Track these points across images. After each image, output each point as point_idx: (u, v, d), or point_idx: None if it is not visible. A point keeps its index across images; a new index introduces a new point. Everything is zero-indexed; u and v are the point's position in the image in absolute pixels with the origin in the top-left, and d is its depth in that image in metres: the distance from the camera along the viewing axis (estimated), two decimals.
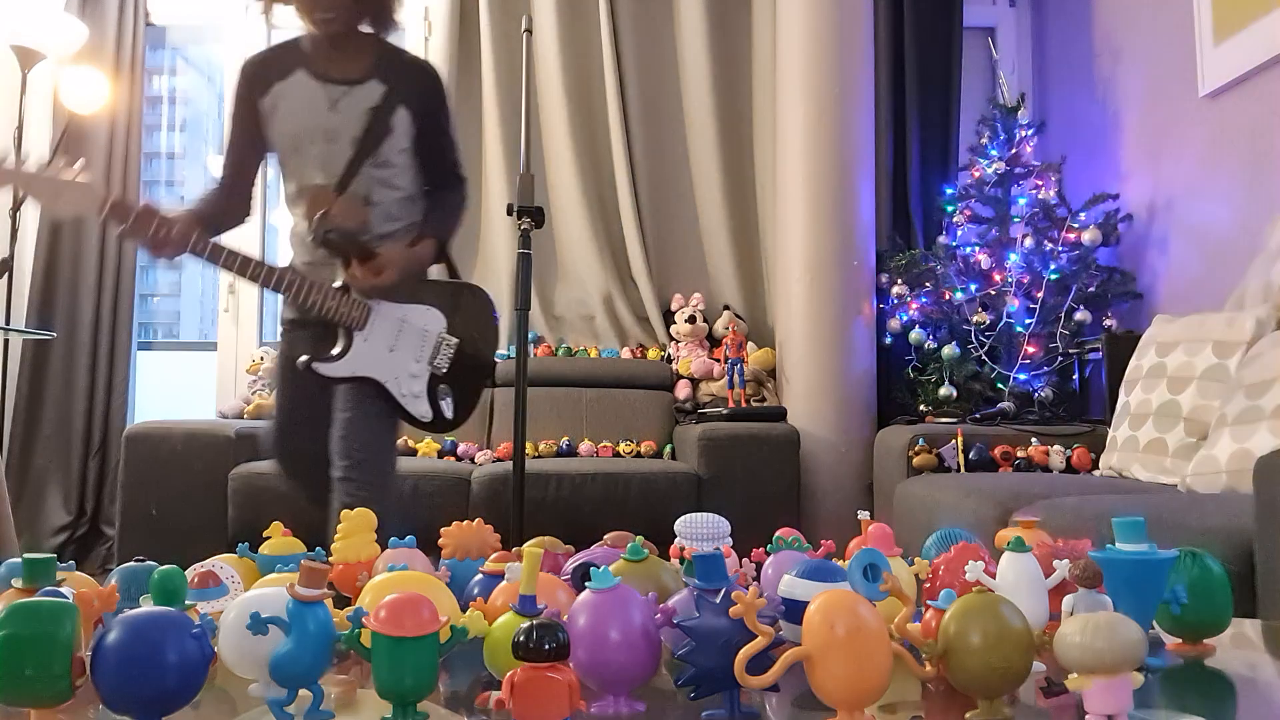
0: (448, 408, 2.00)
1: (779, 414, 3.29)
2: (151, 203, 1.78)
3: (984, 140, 3.52)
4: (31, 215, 3.73)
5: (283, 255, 2.07)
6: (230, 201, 2.04)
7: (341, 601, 1.05)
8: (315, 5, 1.83)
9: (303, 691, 0.70)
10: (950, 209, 3.54)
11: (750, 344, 3.77)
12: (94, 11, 3.82)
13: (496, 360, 2.17)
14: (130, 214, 1.72)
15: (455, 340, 2.01)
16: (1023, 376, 3.26)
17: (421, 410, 1.96)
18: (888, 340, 3.56)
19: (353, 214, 1.88)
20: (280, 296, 1.99)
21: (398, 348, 1.94)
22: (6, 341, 3.60)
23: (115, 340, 3.79)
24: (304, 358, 1.89)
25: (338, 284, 1.90)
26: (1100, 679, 0.66)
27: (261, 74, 1.92)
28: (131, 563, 1.03)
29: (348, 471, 1.91)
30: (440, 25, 3.92)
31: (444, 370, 1.99)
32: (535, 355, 3.77)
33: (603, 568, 0.77)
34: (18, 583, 0.82)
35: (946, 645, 0.72)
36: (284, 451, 2.09)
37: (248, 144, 1.98)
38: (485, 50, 3.89)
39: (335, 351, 1.91)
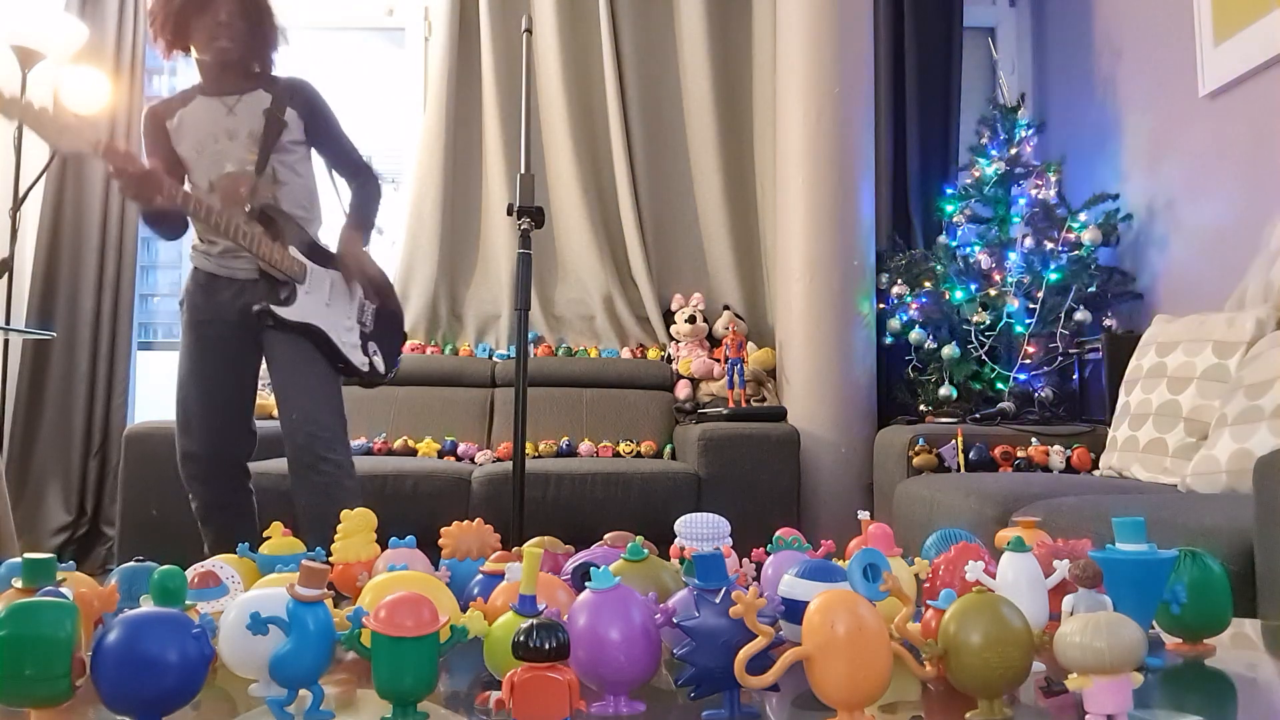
0: (379, 362, 2.29)
1: (779, 414, 3.29)
2: (136, 154, 1.99)
3: (984, 140, 3.52)
4: (31, 215, 3.73)
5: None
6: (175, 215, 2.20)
7: (341, 601, 1.05)
8: (217, 34, 2.12)
9: (303, 691, 0.70)
10: (950, 209, 3.54)
11: (750, 344, 3.77)
12: (94, 11, 3.82)
13: (404, 334, 2.46)
14: (118, 156, 1.92)
15: (373, 305, 2.32)
16: (1023, 376, 3.26)
17: (360, 359, 2.22)
18: (888, 340, 3.56)
19: (266, 190, 2.14)
20: (193, 259, 2.22)
21: (332, 303, 2.20)
22: (6, 341, 3.60)
23: (115, 340, 3.79)
24: (259, 305, 2.08)
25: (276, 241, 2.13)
26: (1100, 679, 0.66)
27: (164, 108, 2.20)
28: (131, 563, 1.03)
29: (328, 450, 2.09)
30: (440, 25, 3.92)
31: (369, 329, 2.29)
32: (535, 355, 3.77)
33: (603, 568, 0.77)
34: (18, 583, 0.82)
35: (946, 645, 0.72)
36: (197, 416, 2.14)
37: (169, 165, 2.17)
38: (485, 50, 3.89)
39: (284, 297, 2.11)
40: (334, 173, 2.33)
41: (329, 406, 2.14)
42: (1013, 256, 3.32)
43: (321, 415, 2.11)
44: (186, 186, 2.17)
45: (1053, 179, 3.37)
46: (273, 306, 2.07)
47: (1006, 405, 3.16)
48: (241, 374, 2.19)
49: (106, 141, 1.93)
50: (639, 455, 3.42)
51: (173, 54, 2.17)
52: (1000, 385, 3.31)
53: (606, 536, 1.16)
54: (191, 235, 2.26)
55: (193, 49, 2.16)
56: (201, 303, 2.16)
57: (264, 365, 2.24)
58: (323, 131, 2.26)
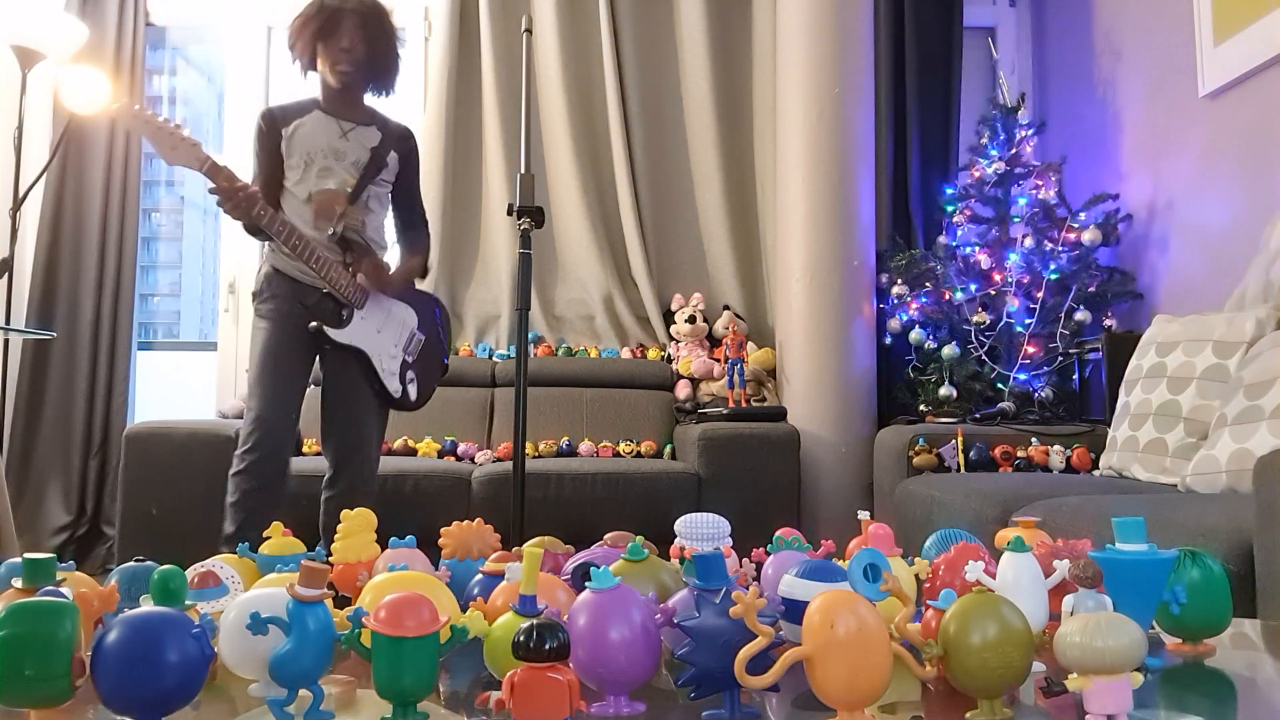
0: (413, 390, 2.43)
1: (779, 414, 3.29)
2: (232, 173, 2.16)
3: (984, 140, 3.52)
4: (31, 215, 3.73)
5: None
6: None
7: (342, 601, 1.05)
8: (339, 59, 2.31)
9: (303, 691, 0.70)
10: (950, 209, 3.54)
11: (750, 344, 3.77)
12: (94, 11, 3.82)
13: (447, 362, 2.60)
14: (220, 176, 2.12)
15: (423, 337, 2.47)
16: (1023, 376, 3.26)
17: (394, 386, 2.38)
18: (888, 340, 3.56)
19: (356, 215, 2.32)
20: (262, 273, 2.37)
21: (384, 331, 2.37)
22: (6, 341, 3.60)
23: (115, 340, 3.79)
24: (314, 323, 2.24)
25: (346, 265, 2.32)
26: (1100, 679, 0.66)
27: (283, 115, 2.36)
28: (131, 563, 1.03)
29: (371, 477, 2.36)
30: (440, 25, 3.92)
31: (413, 359, 2.44)
32: (535, 355, 3.77)
33: (603, 568, 0.77)
34: (18, 583, 0.82)
35: (946, 645, 0.72)
36: (279, 399, 2.24)
37: (273, 166, 2.35)
38: (485, 50, 3.89)
39: (343, 317, 2.29)
40: (396, 215, 2.51)
41: (378, 438, 2.40)
42: (1013, 256, 3.32)
43: (374, 449, 2.38)
44: (285, 191, 2.34)
45: (1053, 179, 3.37)
46: (326, 328, 2.24)
47: (1006, 405, 3.16)
48: (309, 366, 2.34)
49: (211, 163, 2.12)
50: (639, 455, 3.42)
51: (308, 73, 2.38)
52: (1000, 385, 3.31)
53: (606, 536, 1.16)
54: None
55: (321, 68, 2.36)
56: (285, 294, 2.30)
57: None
58: (409, 180, 2.47)
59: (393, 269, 2.41)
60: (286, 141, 2.33)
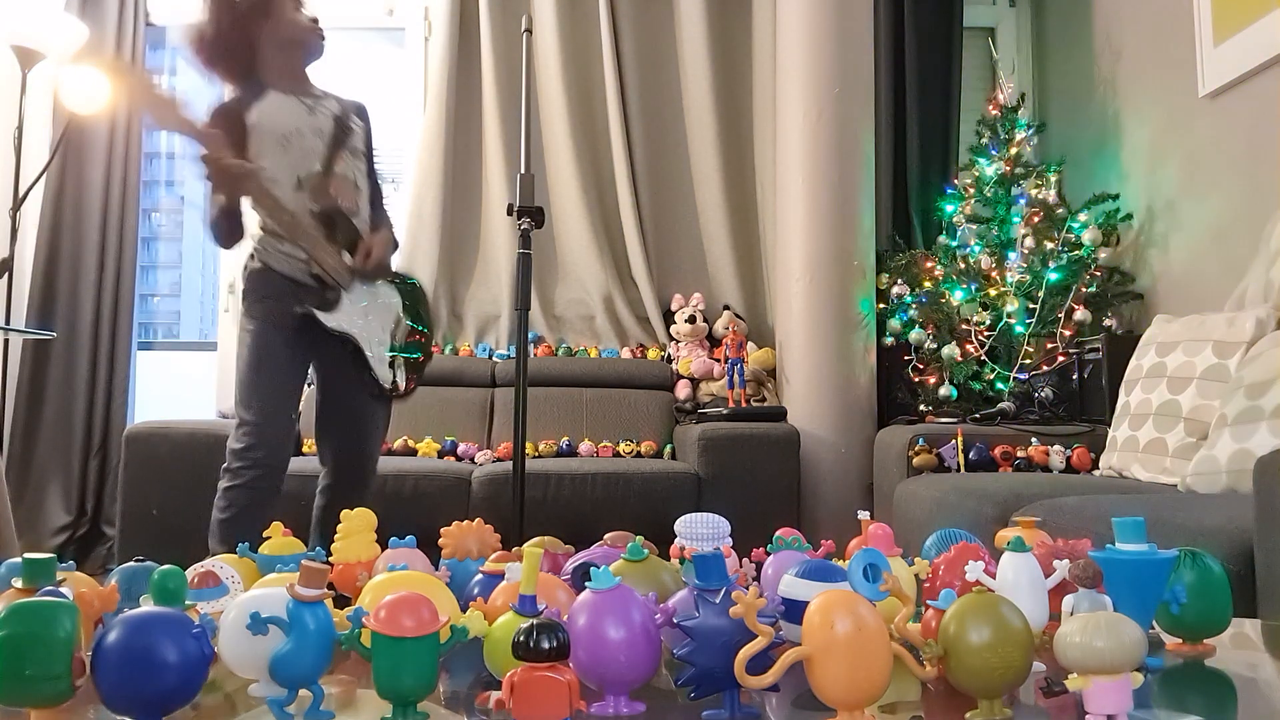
0: (401, 379, 2.23)
1: (779, 414, 3.29)
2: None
3: (984, 140, 3.52)
4: (32, 215, 3.73)
5: None
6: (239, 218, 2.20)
7: (342, 601, 1.05)
8: (302, 24, 2.20)
9: (303, 691, 0.70)
10: (950, 209, 3.54)
11: (750, 344, 3.77)
12: (94, 11, 3.82)
13: (435, 347, 2.37)
14: (208, 139, 1.97)
15: (409, 323, 2.28)
16: (1023, 376, 3.26)
17: (384, 374, 2.19)
18: (888, 340, 3.56)
19: (347, 195, 2.19)
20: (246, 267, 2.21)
21: (371, 315, 2.18)
22: (6, 341, 3.60)
23: (115, 340, 3.79)
24: (302, 308, 2.08)
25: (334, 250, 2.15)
26: (1100, 679, 0.66)
27: (237, 105, 2.17)
28: (131, 563, 1.03)
29: (373, 475, 2.29)
30: (440, 25, 3.92)
31: (399, 346, 2.24)
32: (535, 355, 3.77)
33: (603, 568, 0.77)
34: (18, 583, 0.82)
35: (946, 645, 0.72)
36: (269, 404, 2.08)
37: (236, 155, 2.15)
38: (485, 50, 3.89)
39: (329, 300, 2.12)
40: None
41: (381, 434, 2.29)
42: (1013, 256, 3.32)
43: (376, 446, 2.29)
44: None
45: (1053, 179, 3.37)
46: (317, 311, 2.09)
47: (1006, 405, 3.16)
48: (305, 367, 2.19)
49: (206, 127, 1.97)
50: (639, 455, 3.42)
51: (233, 75, 2.20)
52: (1000, 385, 3.31)
53: (606, 536, 1.16)
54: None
55: (260, 54, 2.18)
56: (277, 293, 2.13)
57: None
58: (371, 152, 2.35)
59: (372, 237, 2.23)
60: (253, 129, 2.13)
